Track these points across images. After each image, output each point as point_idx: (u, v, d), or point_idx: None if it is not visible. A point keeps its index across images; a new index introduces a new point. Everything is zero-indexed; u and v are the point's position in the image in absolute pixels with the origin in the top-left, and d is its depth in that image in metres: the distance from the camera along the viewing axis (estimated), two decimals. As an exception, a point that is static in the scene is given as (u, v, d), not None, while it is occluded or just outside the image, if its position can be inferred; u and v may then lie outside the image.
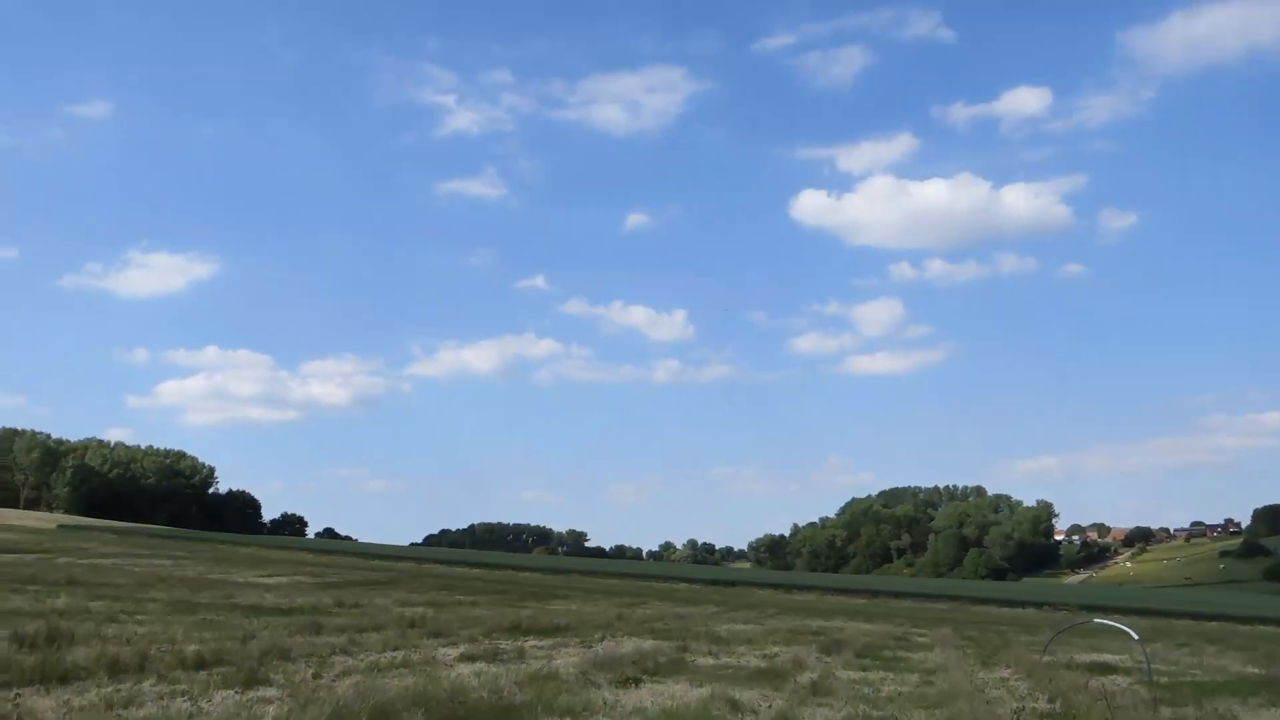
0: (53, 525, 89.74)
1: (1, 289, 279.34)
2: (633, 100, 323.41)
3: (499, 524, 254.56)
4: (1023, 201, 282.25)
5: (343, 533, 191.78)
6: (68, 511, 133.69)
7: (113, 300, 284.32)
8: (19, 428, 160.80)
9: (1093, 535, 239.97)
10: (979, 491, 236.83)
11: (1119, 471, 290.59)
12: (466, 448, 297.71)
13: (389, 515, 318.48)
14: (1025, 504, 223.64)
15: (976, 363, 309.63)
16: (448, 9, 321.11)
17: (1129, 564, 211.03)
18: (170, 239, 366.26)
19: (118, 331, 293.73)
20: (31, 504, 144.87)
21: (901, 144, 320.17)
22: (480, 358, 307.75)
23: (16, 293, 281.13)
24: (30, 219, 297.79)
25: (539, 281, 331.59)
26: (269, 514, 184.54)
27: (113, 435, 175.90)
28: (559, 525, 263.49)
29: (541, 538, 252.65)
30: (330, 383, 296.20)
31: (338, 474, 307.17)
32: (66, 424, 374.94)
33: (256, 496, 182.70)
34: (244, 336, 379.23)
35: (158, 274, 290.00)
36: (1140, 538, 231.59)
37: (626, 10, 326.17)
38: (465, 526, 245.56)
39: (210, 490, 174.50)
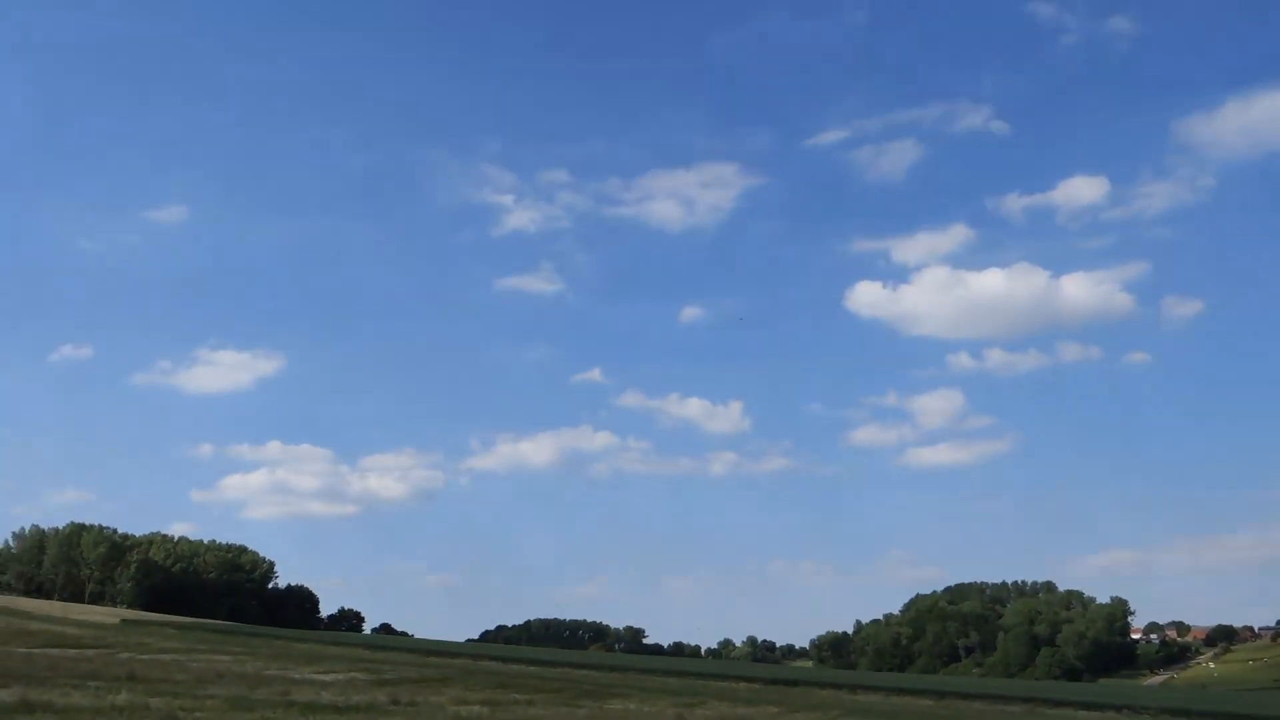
0: (115, 620, 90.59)
1: (77, 386, 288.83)
2: (687, 196, 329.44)
3: (555, 620, 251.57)
4: (1083, 290, 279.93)
5: (399, 628, 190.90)
6: (131, 606, 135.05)
7: (181, 396, 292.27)
8: (87, 523, 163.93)
9: (1171, 634, 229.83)
10: (1049, 588, 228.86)
11: (1196, 567, 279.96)
12: (523, 541, 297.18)
13: (445, 610, 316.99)
14: (1098, 601, 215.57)
15: (1042, 453, 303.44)
16: (507, 112, 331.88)
17: (1212, 665, 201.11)
18: (238, 336, 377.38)
19: (185, 427, 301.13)
20: (96, 599, 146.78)
21: (956, 235, 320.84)
22: (537, 451, 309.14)
23: (91, 390, 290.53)
24: (107, 319, 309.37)
25: (596, 375, 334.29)
26: (327, 608, 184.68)
27: (177, 530, 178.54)
28: (616, 621, 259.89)
29: (598, 634, 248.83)
30: (388, 476, 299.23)
31: (395, 568, 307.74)
32: (133, 519, 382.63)
33: (315, 591, 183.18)
34: (306, 431, 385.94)
35: (225, 370, 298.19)
36: (1223, 636, 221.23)
37: (680, 109, 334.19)
38: (521, 622, 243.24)
39: (270, 585, 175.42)
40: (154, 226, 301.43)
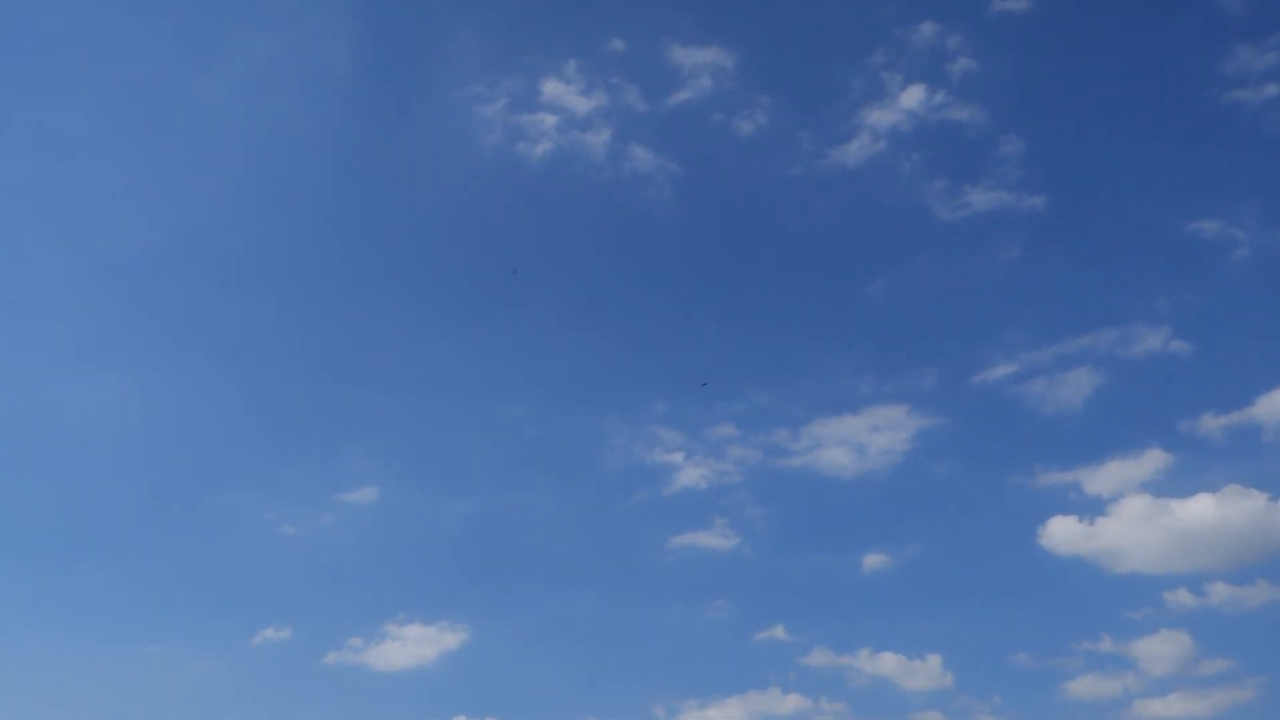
0: None
1: (276, 669, 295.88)
2: (858, 442, 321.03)
3: None
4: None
5: None
6: None
7: (370, 674, 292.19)
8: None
9: None
10: None
11: None
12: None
13: None
14: None
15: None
16: (671, 374, 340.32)
17: None
18: (424, 610, 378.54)
19: (374, 705, 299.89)
20: None
21: (1152, 461, 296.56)
22: (726, 719, 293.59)
23: (287, 672, 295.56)
24: (303, 600, 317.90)
25: (779, 632, 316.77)
26: None
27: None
28: None
29: None
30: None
31: None
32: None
33: None
34: (490, 704, 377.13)
35: (412, 645, 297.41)
36: None
37: (840, 356, 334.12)
38: None
39: None
40: (348, 508, 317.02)
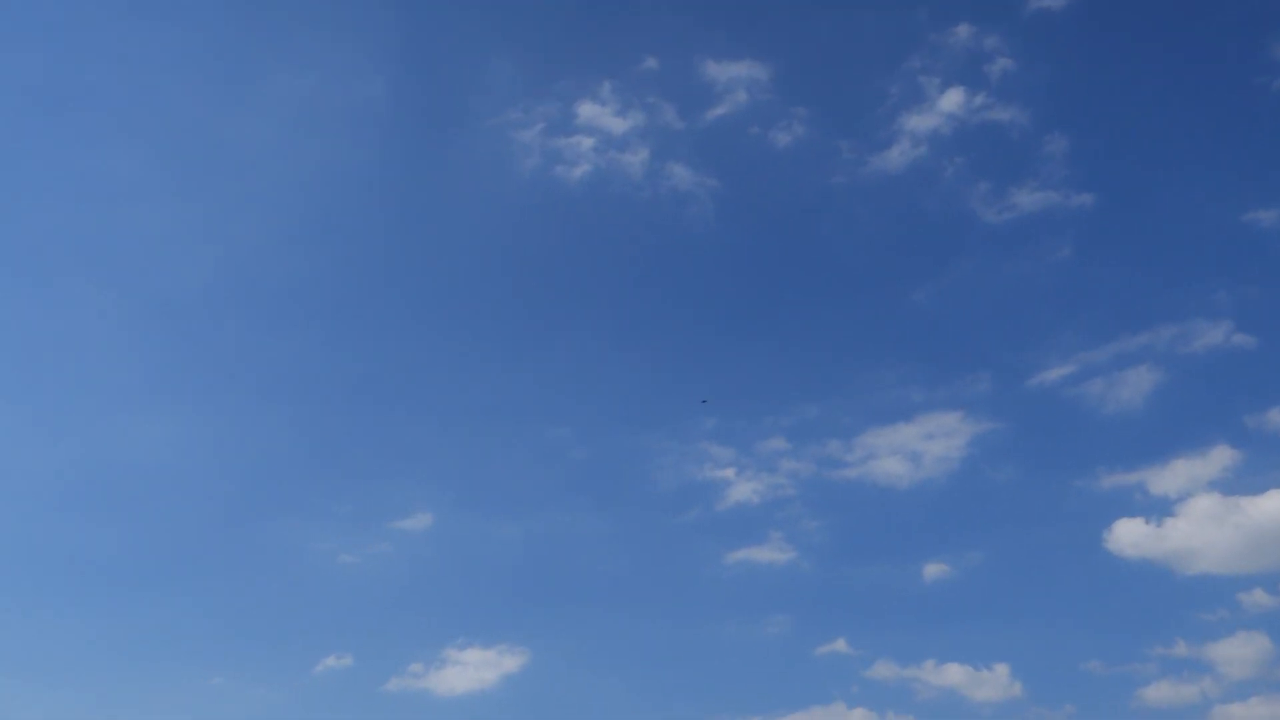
0: None
1: (338, 696, 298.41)
2: (912, 450, 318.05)
3: None
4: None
5: None
6: None
7: (433, 699, 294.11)
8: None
9: None
10: None
11: None
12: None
13: None
14: None
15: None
16: (719, 390, 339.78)
17: None
18: (482, 634, 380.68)
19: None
20: None
21: (1219, 458, 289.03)
22: None
23: (350, 699, 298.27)
24: (363, 628, 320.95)
25: (840, 645, 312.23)
26: None
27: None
28: None
29: None
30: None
31: None
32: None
33: None
34: None
35: (472, 669, 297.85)
36: None
37: (890, 365, 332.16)
38: None
39: None
40: (403, 535, 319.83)
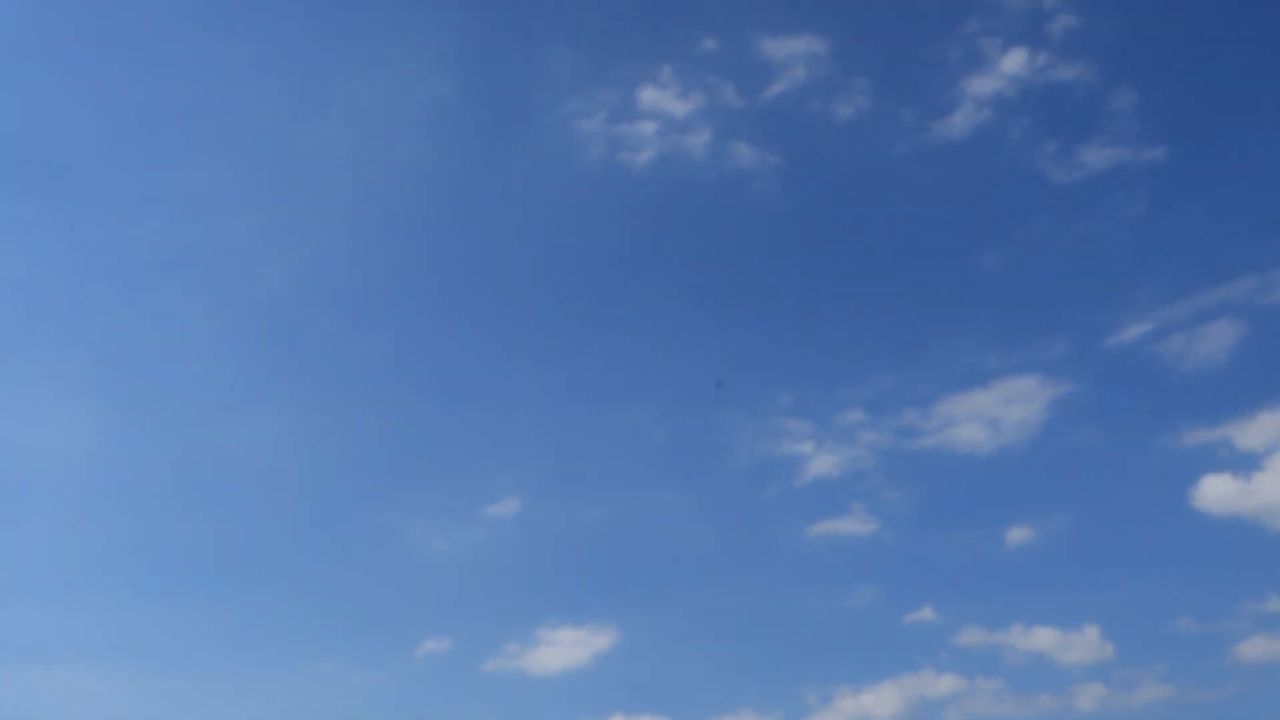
0: None
1: (439, 678, 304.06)
2: (991, 416, 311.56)
3: None
4: None
5: None
6: None
7: (528, 679, 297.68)
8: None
9: None
10: None
11: None
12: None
13: None
14: None
15: None
16: (795, 365, 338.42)
17: None
18: (573, 614, 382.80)
19: (534, 708, 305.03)
20: None
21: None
22: (881, 702, 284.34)
23: (450, 680, 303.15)
24: (459, 611, 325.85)
25: (927, 613, 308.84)
26: None
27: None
28: None
29: None
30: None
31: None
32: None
33: None
34: (645, 700, 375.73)
35: (565, 648, 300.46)
36: None
37: (964, 332, 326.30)
38: None
39: None
40: (492, 520, 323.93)
